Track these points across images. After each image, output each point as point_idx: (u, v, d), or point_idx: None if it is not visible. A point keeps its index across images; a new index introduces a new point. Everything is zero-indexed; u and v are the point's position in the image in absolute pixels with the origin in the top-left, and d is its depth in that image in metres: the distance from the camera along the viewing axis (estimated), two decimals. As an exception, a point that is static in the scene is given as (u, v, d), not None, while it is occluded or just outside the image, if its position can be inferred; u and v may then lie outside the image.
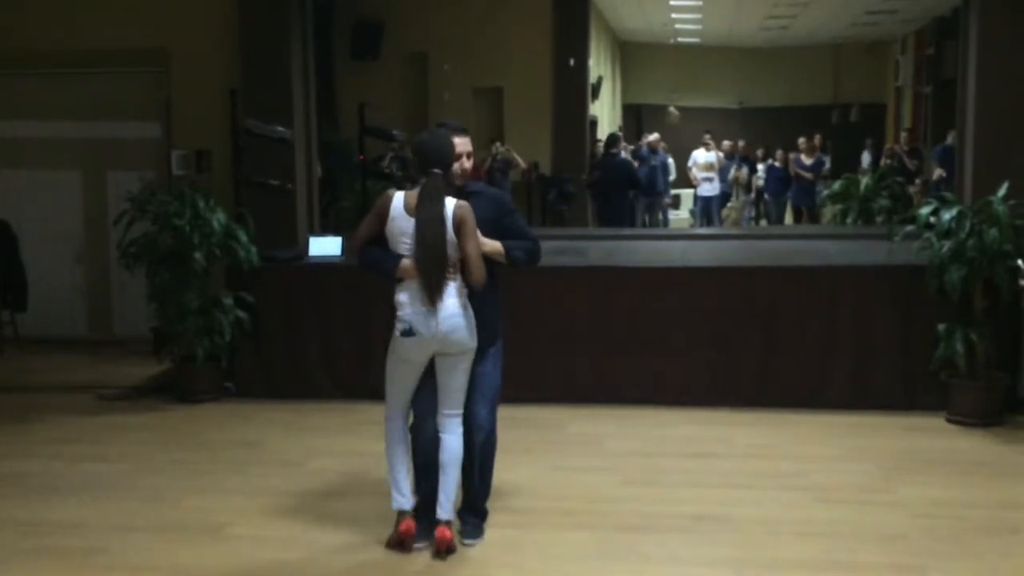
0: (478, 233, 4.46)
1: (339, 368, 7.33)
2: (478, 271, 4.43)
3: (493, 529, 4.77)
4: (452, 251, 4.42)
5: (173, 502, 5.32)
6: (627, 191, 13.00)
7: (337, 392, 7.28)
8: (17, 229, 9.02)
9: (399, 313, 4.46)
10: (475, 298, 4.53)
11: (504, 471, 5.13)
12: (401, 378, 4.59)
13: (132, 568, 4.50)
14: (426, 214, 4.37)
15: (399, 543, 4.58)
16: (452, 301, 4.43)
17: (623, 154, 13.80)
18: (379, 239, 4.54)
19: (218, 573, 4.42)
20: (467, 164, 4.61)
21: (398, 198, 4.48)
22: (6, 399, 7.53)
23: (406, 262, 4.43)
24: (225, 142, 7.92)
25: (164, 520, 5.06)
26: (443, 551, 4.52)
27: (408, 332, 4.43)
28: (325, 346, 7.37)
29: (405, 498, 4.64)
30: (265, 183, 7.84)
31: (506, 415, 4.92)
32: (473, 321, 4.51)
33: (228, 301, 7.29)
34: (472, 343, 4.52)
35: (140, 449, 6.28)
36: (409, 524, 4.59)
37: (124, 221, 7.38)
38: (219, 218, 7.28)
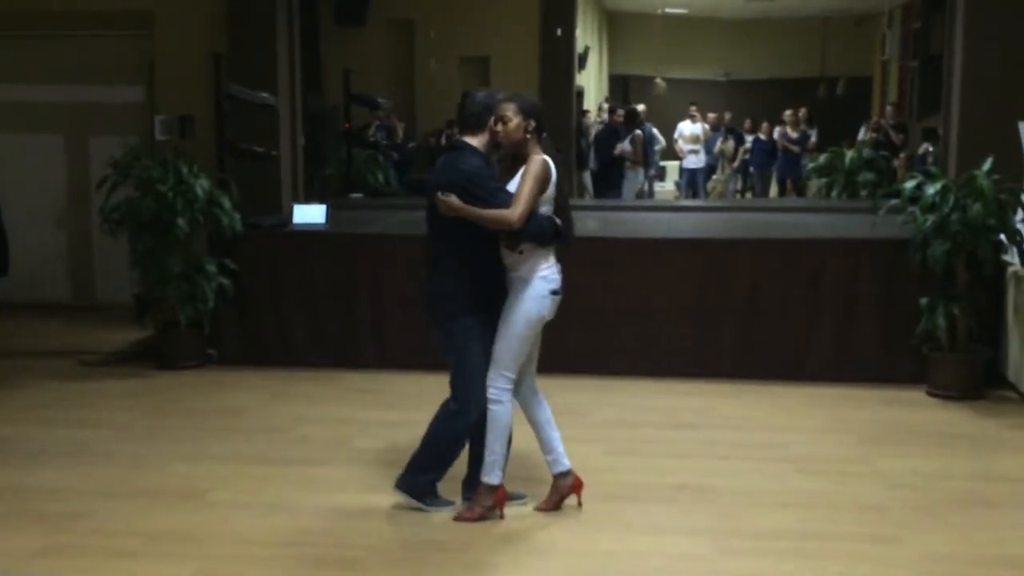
0: None
1: (322, 336, 7.31)
2: None
3: (475, 497, 4.79)
4: None
5: (156, 468, 5.32)
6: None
7: (320, 360, 7.27)
8: (-2, 193, 8.95)
9: (545, 273, 4.52)
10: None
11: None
12: (531, 340, 4.59)
13: (114, 533, 4.50)
14: (561, 179, 4.48)
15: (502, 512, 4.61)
16: None
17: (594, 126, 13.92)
18: None
19: (200, 539, 4.42)
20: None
21: (551, 164, 4.46)
22: (-13, 364, 7.50)
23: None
24: (209, 108, 7.84)
25: (147, 485, 5.05)
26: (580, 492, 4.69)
27: (557, 291, 4.56)
28: (308, 314, 7.35)
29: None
30: (249, 150, 7.79)
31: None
32: None
33: (211, 267, 7.26)
34: None
35: (122, 415, 6.27)
36: (504, 490, 4.62)
37: (106, 186, 7.33)
38: (202, 184, 7.23)
